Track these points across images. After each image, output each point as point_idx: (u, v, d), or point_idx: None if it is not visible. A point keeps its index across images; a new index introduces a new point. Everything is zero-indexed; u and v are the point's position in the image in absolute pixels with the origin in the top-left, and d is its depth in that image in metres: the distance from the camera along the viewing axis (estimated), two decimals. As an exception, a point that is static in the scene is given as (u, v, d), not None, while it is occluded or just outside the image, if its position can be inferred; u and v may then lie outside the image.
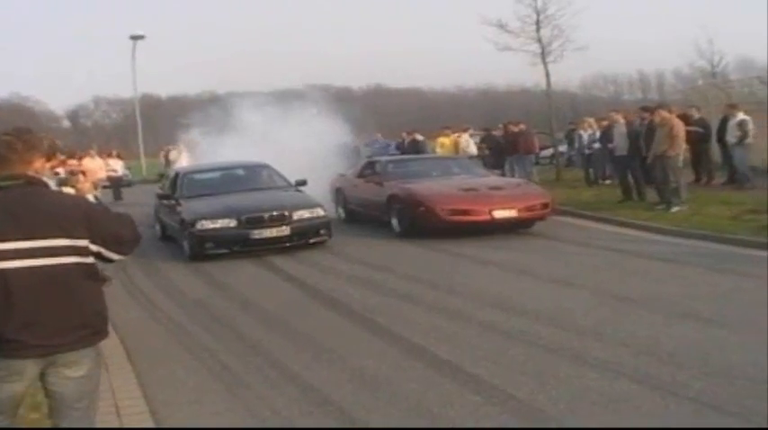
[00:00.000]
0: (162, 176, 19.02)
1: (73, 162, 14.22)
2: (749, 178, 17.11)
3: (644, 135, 15.65)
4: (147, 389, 6.18)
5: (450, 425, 5.10)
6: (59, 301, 3.49)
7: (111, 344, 6.88)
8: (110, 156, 29.23)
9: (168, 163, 26.89)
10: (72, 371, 3.58)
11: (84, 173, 4.45)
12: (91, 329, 3.62)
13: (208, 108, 25.57)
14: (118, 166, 28.38)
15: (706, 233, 11.92)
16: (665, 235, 12.54)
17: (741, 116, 17.41)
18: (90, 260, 3.61)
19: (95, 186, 4.67)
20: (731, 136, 17.43)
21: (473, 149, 24.54)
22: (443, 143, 25.30)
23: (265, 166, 15.89)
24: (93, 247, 3.58)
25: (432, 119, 31.79)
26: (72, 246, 3.50)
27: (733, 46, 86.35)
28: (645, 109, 17.01)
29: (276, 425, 5.31)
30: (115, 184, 26.69)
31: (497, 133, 24.56)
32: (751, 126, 17.31)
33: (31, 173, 3.58)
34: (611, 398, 5.37)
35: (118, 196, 25.76)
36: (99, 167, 22.79)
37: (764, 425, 4.77)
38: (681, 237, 12.15)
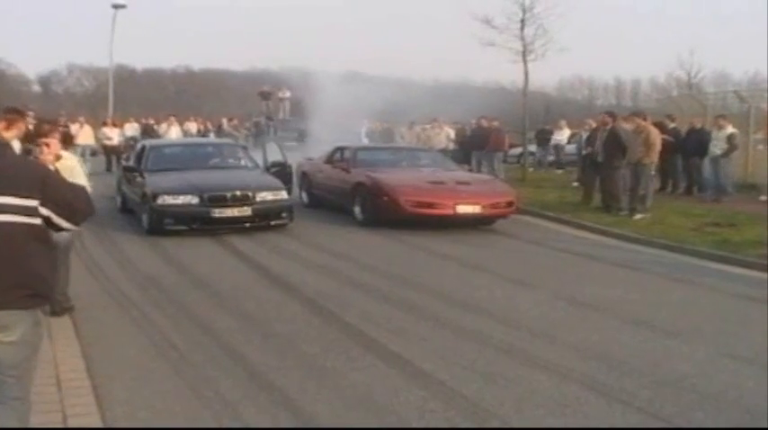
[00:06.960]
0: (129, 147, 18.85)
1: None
2: (706, 188, 17.30)
3: (604, 140, 15.46)
4: (92, 362, 6.05)
5: (396, 419, 5.05)
6: None
7: (58, 315, 6.79)
8: (105, 124, 27.86)
9: (153, 135, 26.56)
10: (3, 334, 3.44)
11: (48, 145, 4.33)
12: (29, 291, 3.48)
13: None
14: (114, 135, 26.93)
15: (667, 242, 12.00)
16: (625, 241, 12.61)
17: (730, 129, 17.35)
18: (38, 221, 3.50)
19: (58, 158, 4.59)
20: (717, 148, 17.22)
21: (450, 144, 24.70)
22: (410, 134, 25.47)
23: (235, 145, 15.77)
24: (44, 211, 3.48)
25: (407, 109, 31.77)
26: (20, 205, 3.41)
27: (711, 60, 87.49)
28: (609, 114, 16.43)
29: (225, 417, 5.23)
30: (110, 154, 25.40)
31: (469, 128, 24.64)
32: (737, 140, 17.35)
33: None
34: (557, 401, 5.35)
35: (109, 167, 24.32)
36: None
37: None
38: (641, 245, 12.22)
